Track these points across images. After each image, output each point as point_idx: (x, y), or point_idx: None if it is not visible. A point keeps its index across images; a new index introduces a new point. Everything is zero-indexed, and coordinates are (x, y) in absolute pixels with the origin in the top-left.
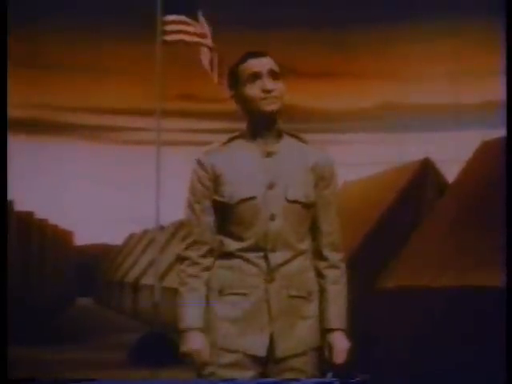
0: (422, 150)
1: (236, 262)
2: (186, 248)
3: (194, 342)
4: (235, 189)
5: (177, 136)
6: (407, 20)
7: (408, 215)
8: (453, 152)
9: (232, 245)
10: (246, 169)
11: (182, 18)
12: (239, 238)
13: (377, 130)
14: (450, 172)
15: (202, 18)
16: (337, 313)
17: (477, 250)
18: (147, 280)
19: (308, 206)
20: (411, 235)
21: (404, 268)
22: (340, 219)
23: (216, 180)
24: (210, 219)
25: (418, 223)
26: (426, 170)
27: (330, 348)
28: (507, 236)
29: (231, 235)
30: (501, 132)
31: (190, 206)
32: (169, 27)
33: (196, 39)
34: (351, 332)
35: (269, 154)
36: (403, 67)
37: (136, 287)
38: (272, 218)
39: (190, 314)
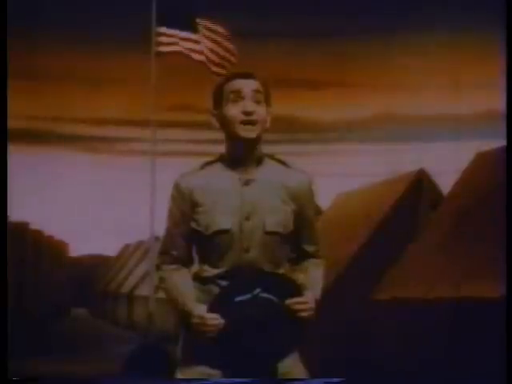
0: (418, 161)
1: (211, 286)
2: (161, 262)
3: (205, 310)
4: (211, 219)
5: (172, 146)
6: (405, 31)
7: (403, 226)
8: (448, 163)
9: (208, 270)
10: (222, 199)
11: (177, 30)
12: (214, 265)
13: (373, 140)
14: (445, 183)
15: (200, 28)
16: (312, 279)
17: (473, 261)
18: (142, 291)
19: (286, 237)
20: (407, 246)
21: (400, 279)
22: (333, 231)
23: (193, 207)
24: (186, 243)
25: (413, 234)
26: (420, 182)
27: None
28: (507, 247)
29: (207, 262)
30: (497, 143)
31: (168, 230)
32: (164, 39)
33: (191, 51)
34: (347, 343)
35: (247, 182)
36: (400, 78)
37: (131, 298)
38: (247, 249)
39: (192, 294)
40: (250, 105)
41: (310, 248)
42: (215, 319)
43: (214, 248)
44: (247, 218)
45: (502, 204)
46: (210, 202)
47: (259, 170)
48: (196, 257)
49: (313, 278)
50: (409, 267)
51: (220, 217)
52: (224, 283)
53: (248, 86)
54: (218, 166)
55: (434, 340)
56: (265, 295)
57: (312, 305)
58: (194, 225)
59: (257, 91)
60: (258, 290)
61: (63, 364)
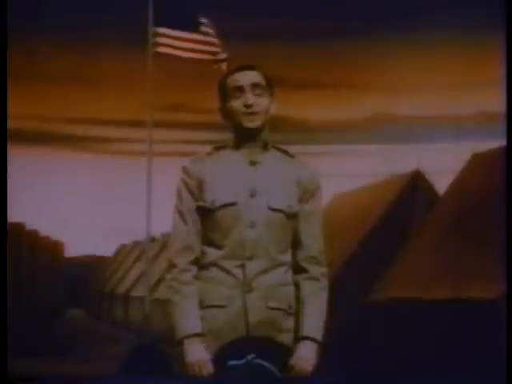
0: (414, 162)
1: (214, 272)
2: (176, 254)
3: (200, 352)
4: (217, 194)
5: (168, 147)
6: (405, 31)
7: (399, 227)
8: (448, 163)
9: (212, 253)
10: (229, 176)
11: (175, 31)
12: (218, 246)
13: (369, 141)
14: (445, 184)
15: (201, 29)
16: (311, 322)
17: (469, 262)
18: (138, 291)
19: (290, 217)
20: (403, 247)
21: (396, 280)
22: (330, 231)
23: (200, 186)
24: (197, 226)
25: (409, 235)
26: (416, 182)
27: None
28: (507, 248)
29: (211, 243)
30: (497, 143)
31: (179, 213)
32: (160, 39)
33: (187, 53)
34: (344, 344)
35: (253, 163)
36: (400, 78)
37: (127, 299)
38: (252, 225)
39: (188, 320)
40: (249, 97)
41: (311, 267)
42: (209, 370)
43: (219, 225)
44: (252, 195)
45: (500, 205)
46: (216, 179)
47: (265, 154)
48: (202, 246)
49: (311, 320)
50: (406, 268)
51: (226, 192)
52: (227, 264)
53: (248, 79)
54: (225, 151)
55: (432, 340)
56: (259, 361)
57: (306, 363)
58: (200, 202)
59: (256, 84)
60: (252, 356)
61: (58, 365)
